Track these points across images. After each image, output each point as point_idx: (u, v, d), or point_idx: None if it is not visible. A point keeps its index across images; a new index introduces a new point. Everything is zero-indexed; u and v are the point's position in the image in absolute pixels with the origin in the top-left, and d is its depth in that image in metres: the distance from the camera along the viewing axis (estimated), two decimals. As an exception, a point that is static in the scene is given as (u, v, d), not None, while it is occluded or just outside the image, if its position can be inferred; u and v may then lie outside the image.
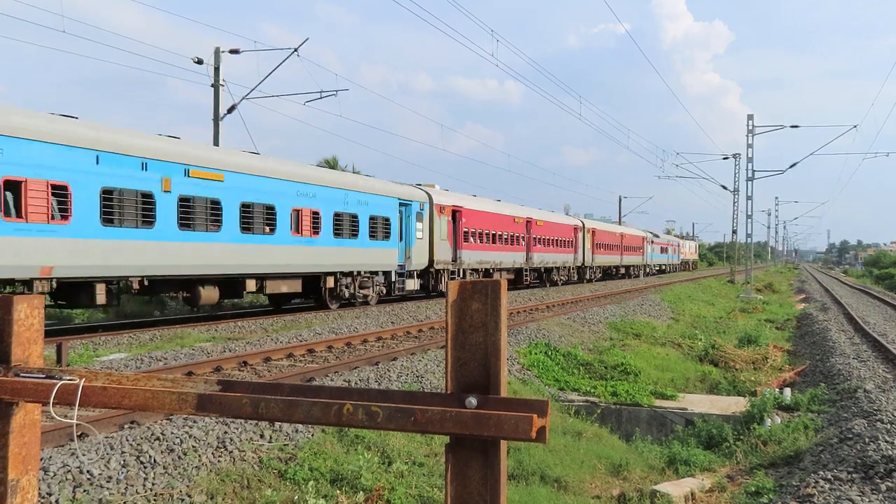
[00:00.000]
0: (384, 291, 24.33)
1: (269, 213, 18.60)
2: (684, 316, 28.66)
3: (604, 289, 37.42)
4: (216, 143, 25.22)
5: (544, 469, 8.65)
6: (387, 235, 23.75)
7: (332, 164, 40.86)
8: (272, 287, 19.22)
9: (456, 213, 28.65)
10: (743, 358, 18.17)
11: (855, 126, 41.44)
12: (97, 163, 14.17)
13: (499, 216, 33.31)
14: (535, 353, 15.19)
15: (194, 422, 7.43)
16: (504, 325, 2.09)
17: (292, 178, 19.58)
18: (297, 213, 19.62)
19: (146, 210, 15.26)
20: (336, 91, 26.45)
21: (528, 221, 36.54)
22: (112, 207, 14.54)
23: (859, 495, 7.03)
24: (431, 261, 26.66)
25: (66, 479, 5.90)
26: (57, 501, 5.61)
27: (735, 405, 12.68)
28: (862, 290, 53.22)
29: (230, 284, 18.16)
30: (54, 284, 13.75)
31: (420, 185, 28.18)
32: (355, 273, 22.45)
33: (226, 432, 7.40)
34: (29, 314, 2.65)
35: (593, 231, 47.47)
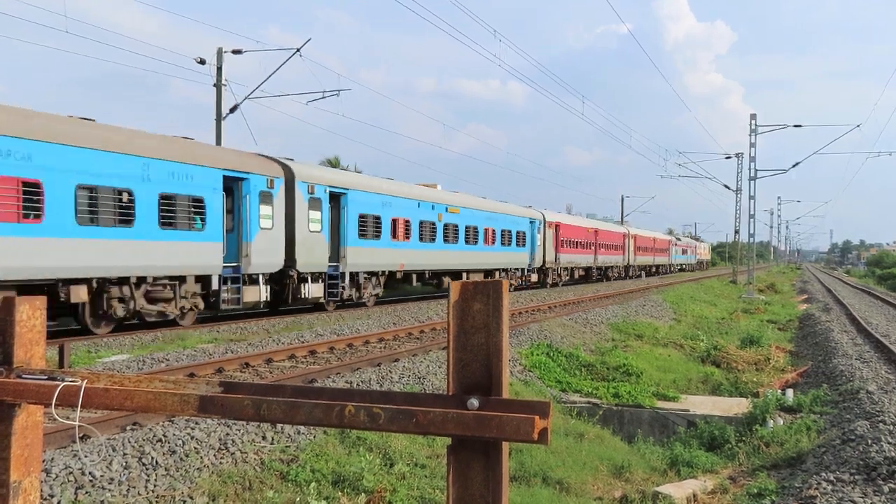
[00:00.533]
0: (519, 283, 35.90)
1: (475, 231, 30.67)
2: (686, 317, 28.63)
3: (606, 289, 37.43)
4: (218, 142, 25.25)
5: (546, 471, 8.64)
6: (523, 244, 35.63)
7: (334, 164, 40.85)
8: (473, 276, 29.92)
9: (557, 227, 40.33)
10: (745, 359, 18.14)
11: (858, 126, 41.45)
12: (418, 206, 26.06)
13: (580, 228, 45.20)
14: (537, 355, 15.18)
15: (196, 423, 7.43)
16: (506, 326, 2.09)
17: (483, 209, 31.97)
18: (485, 231, 31.64)
19: (432, 232, 26.99)
20: (338, 91, 26.53)
21: (595, 231, 48.03)
22: (423, 231, 26.33)
23: (862, 497, 7.02)
24: (544, 261, 38.43)
25: (69, 481, 5.91)
26: (59, 503, 5.61)
27: (737, 406, 12.67)
28: (864, 290, 53.16)
29: (456, 275, 29.02)
30: (402, 274, 25.28)
31: (530, 205, 40.41)
32: (508, 269, 34.00)
33: (228, 434, 7.40)
34: (31, 315, 2.65)
35: (635, 237, 58.32)
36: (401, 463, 7.75)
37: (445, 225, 27.91)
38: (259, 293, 18.66)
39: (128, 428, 7.54)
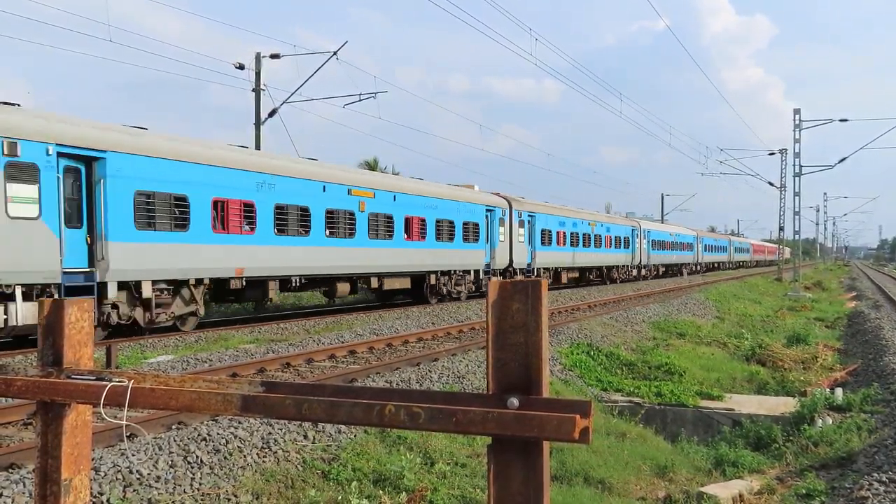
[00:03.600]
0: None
1: (600, 238, 41.03)
2: (730, 315, 28.12)
3: (647, 287, 37.01)
4: (258, 146, 25.58)
5: (588, 470, 8.57)
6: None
7: (372, 166, 41.11)
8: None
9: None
10: (791, 357, 17.75)
11: (906, 118, 40.15)
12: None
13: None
14: (577, 354, 15.06)
15: (239, 423, 7.54)
16: (545, 325, 2.07)
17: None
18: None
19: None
20: (375, 93, 26.69)
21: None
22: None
23: (916, 499, 6.81)
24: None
25: (117, 479, 6.04)
26: (108, 500, 5.74)
27: (784, 406, 12.40)
28: (916, 286, 51.48)
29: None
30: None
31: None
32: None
33: (270, 433, 7.49)
34: (79, 317, 2.72)
35: (759, 245, 78.33)
36: (441, 462, 7.76)
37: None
38: None
39: (173, 427, 7.68)
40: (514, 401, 2.02)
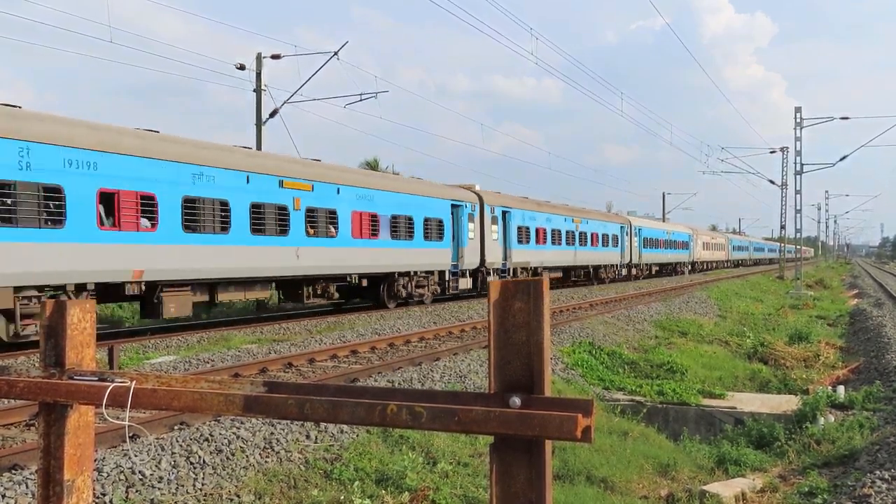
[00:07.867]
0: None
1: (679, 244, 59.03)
2: (731, 313, 28.11)
3: (648, 286, 36.99)
4: (259, 147, 25.59)
5: (590, 469, 8.56)
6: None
7: (373, 166, 41.14)
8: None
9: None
10: (793, 355, 17.74)
11: (908, 115, 40.08)
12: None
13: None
14: (579, 353, 15.05)
15: (242, 423, 7.54)
16: (547, 324, 2.07)
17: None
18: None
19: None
20: (376, 93, 26.66)
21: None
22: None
23: (919, 496, 6.80)
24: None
25: (120, 480, 6.05)
26: (111, 501, 5.74)
27: (786, 404, 12.39)
28: (918, 284, 51.37)
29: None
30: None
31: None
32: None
33: (272, 433, 7.50)
34: (81, 318, 2.72)
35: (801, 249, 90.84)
36: (443, 461, 7.75)
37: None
38: None
39: (175, 428, 7.69)
40: (517, 400, 2.02)
